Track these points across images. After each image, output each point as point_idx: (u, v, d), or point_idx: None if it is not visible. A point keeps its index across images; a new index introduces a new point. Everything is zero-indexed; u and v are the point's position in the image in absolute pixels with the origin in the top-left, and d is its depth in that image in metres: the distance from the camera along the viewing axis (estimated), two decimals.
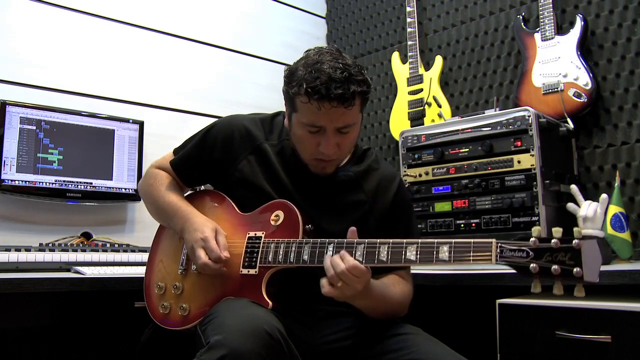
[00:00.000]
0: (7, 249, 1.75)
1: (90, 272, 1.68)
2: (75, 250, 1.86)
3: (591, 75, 2.07)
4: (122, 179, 2.24)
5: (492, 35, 2.47)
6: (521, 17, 2.30)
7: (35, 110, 2.07)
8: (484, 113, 2.03)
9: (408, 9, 2.64)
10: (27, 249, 1.79)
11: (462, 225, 2.01)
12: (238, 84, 2.80)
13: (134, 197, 2.26)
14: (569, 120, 2.07)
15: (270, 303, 1.28)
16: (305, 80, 1.28)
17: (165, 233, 1.56)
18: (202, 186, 1.65)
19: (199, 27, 2.71)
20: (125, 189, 2.25)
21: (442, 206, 2.07)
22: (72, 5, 2.31)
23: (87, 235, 2.17)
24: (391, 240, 1.22)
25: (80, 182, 2.15)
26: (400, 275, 1.44)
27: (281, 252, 1.32)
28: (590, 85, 2.06)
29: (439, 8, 2.68)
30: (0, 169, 1.96)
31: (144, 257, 1.70)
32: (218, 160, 1.49)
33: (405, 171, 2.17)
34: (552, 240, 1.06)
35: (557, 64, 2.13)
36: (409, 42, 2.62)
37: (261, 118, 1.54)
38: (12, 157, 2.00)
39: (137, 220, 2.36)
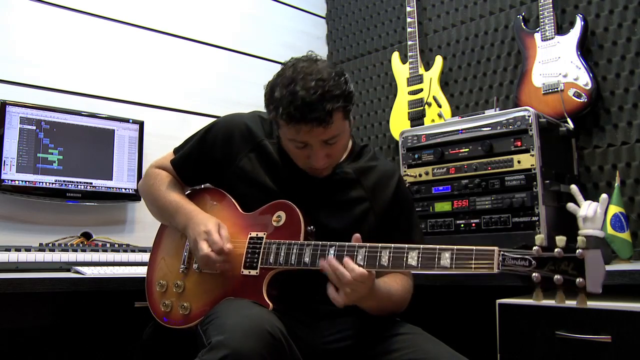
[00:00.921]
0: (7, 249, 1.75)
1: (90, 272, 1.68)
2: (75, 250, 1.86)
3: (591, 75, 2.07)
4: (122, 179, 2.24)
5: (492, 35, 2.47)
6: (521, 17, 2.30)
7: (35, 110, 2.07)
8: (484, 113, 2.03)
9: (408, 9, 2.64)
10: (27, 249, 1.79)
11: (462, 225, 2.01)
12: (238, 84, 2.80)
13: (134, 197, 2.26)
14: (569, 120, 2.07)
15: (270, 305, 1.28)
16: (281, 105, 1.28)
17: (167, 231, 1.56)
18: (203, 185, 1.65)
19: (199, 27, 2.71)
20: (125, 189, 2.25)
21: (442, 206, 2.07)
22: (72, 5, 2.31)
23: (87, 235, 2.17)
24: (393, 245, 1.22)
25: (80, 182, 2.15)
26: (401, 272, 1.44)
27: (282, 254, 1.32)
28: (590, 85, 2.06)
29: (439, 8, 2.68)
30: (0, 169, 1.96)
31: (144, 257, 1.70)
32: (219, 158, 1.50)
33: (405, 171, 2.17)
34: (555, 250, 1.06)
35: (557, 64, 2.13)
36: (409, 42, 2.62)
37: (262, 116, 1.54)
38: (12, 157, 2.00)
39: (137, 220, 2.36)
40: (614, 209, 1.75)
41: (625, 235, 1.75)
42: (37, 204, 2.10)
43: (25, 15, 2.19)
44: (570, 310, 1.39)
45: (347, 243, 1.25)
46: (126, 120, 2.29)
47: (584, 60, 2.09)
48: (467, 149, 2.02)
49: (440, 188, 2.08)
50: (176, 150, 1.59)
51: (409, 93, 2.62)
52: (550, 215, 1.85)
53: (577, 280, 1.02)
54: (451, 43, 2.62)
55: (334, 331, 1.38)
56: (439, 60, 2.58)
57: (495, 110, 2.04)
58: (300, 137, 1.32)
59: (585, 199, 1.81)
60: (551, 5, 2.16)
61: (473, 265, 1.12)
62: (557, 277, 1.04)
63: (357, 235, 1.26)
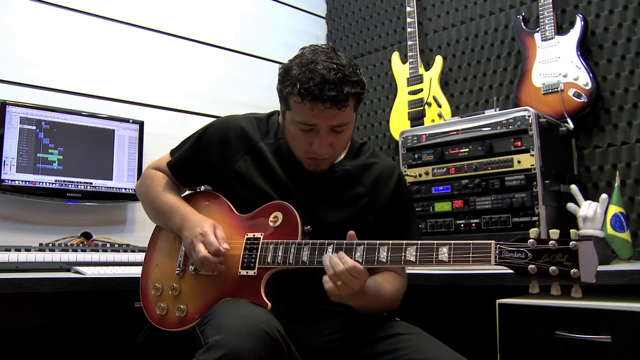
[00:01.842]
0: (7, 249, 1.75)
1: (90, 272, 1.68)
2: (75, 250, 1.86)
3: (591, 75, 2.07)
4: (122, 179, 2.24)
5: (492, 35, 2.47)
6: (521, 17, 2.30)
7: (35, 110, 2.07)
8: (484, 113, 2.03)
9: (408, 9, 2.64)
10: (27, 249, 1.79)
11: (462, 225, 2.01)
12: (238, 84, 2.80)
13: (134, 197, 2.26)
14: (569, 120, 2.07)
15: (269, 304, 1.28)
16: (299, 81, 1.28)
17: (162, 234, 1.56)
18: (201, 187, 1.65)
19: (199, 27, 2.71)
20: (125, 189, 2.25)
21: (442, 206, 2.06)
22: (72, 5, 2.31)
23: (87, 235, 2.17)
24: (391, 242, 1.22)
25: (80, 182, 2.15)
26: (394, 270, 1.44)
27: (280, 253, 1.32)
28: (590, 85, 2.06)
29: (439, 8, 2.68)
30: (0, 169, 1.96)
31: (145, 255, 1.70)
32: (214, 160, 1.49)
33: (405, 171, 2.17)
34: (550, 242, 1.09)
35: (557, 64, 2.13)
36: (409, 42, 2.62)
37: (257, 117, 1.54)
38: (12, 157, 2.00)
39: (137, 220, 2.36)
40: (614, 209, 1.75)
41: (625, 235, 1.75)
42: (37, 204, 2.10)
43: (26, 15, 2.19)
44: (570, 310, 1.39)
45: (345, 241, 1.26)
46: (126, 120, 2.29)
47: (584, 60, 2.09)
48: (467, 149, 2.02)
49: (440, 188, 2.08)
50: (172, 152, 1.59)
51: (409, 93, 2.62)
52: (550, 215, 1.85)
53: (572, 271, 1.06)
54: (451, 43, 2.62)
55: (332, 331, 1.38)
56: (439, 60, 2.58)
57: (495, 110, 2.03)
58: (311, 118, 1.31)
59: (585, 199, 1.81)
60: (551, 5, 2.16)
61: (471, 259, 1.14)
62: (552, 268, 1.07)
63: (352, 232, 1.26)
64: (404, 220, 1.50)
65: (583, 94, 2.07)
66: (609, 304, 1.35)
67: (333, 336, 1.37)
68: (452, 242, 1.17)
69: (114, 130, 2.25)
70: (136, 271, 1.74)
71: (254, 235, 1.38)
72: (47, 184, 2.07)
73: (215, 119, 1.61)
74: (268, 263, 1.32)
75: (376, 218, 1.46)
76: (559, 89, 2.10)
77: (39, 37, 2.22)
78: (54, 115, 2.11)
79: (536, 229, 1.12)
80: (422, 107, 2.55)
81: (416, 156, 2.16)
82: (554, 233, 1.09)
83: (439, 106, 2.50)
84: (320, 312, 1.38)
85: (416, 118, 2.56)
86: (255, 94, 2.77)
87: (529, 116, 1.88)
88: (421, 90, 2.58)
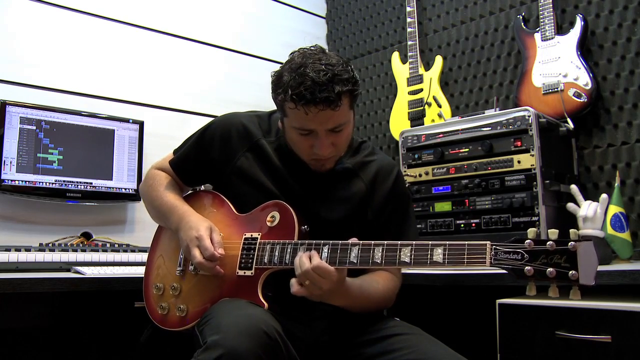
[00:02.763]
0: (7, 249, 1.75)
1: (90, 272, 1.68)
2: (75, 250, 1.86)
3: (591, 75, 2.07)
4: (122, 179, 2.24)
5: (492, 35, 2.47)
6: (521, 17, 2.30)
7: (35, 110, 2.07)
8: (484, 113, 2.03)
9: (408, 9, 2.64)
10: (27, 249, 1.79)
11: (462, 225, 2.01)
12: (238, 84, 2.80)
13: (134, 197, 2.26)
14: (569, 120, 2.07)
15: (266, 304, 1.28)
16: (290, 87, 1.28)
17: (164, 234, 1.56)
18: (202, 186, 1.65)
19: (199, 27, 2.71)
20: (125, 189, 2.25)
21: (442, 206, 2.06)
22: (72, 5, 2.31)
23: (87, 235, 2.17)
24: (385, 243, 1.22)
25: (80, 182, 2.15)
26: (389, 271, 1.44)
27: (277, 254, 1.32)
28: (590, 85, 2.06)
29: (439, 8, 2.68)
30: (0, 169, 1.96)
31: (144, 257, 1.70)
32: (216, 158, 1.50)
33: (405, 171, 2.17)
34: (548, 242, 1.05)
35: (557, 64, 2.13)
36: (409, 42, 2.62)
37: (258, 115, 1.55)
38: (12, 157, 2.00)
39: (137, 220, 2.36)
40: (614, 209, 1.75)
41: (625, 235, 1.75)
42: (37, 204, 2.10)
43: (26, 16, 2.19)
44: (570, 310, 1.39)
45: (340, 241, 1.25)
46: (126, 120, 2.29)
47: (584, 60, 2.09)
48: (467, 149, 2.02)
49: (440, 188, 2.08)
50: (175, 152, 1.60)
51: (409, 93, 2.61)
52: (550, 215, 1.85)
53: (570, 272, 1.02)
54: (451, 43, 2.62)
55: (331, 330, 1.38)
56: (439, 60, 2.58)
57: (495, 110, 2.03)
58: (306, 122, 1.31)
59: (585, 199, 1.81)
60: (551, 5, 2.16)
61: (465, 260, 1.12)
62: (549, 270, 1.04)
63: (355, 239, 1.26)
64: (400, 218, 1.50)
65: (583, 94, 2.07)
66: (609, 304, 1.34)
67: (332, 336, 1.37)
68: (447, 242, 1.16)
69: (114, 130, 2.25)
70: (136, 271, 1.74)
71: (251, 235, 1.38)
72: (47, 184, 2.07)
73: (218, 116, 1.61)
74: (265, 263, 1.33)
75: (374, 214, 1.46)
76: (559, 89, 2.10)
77: (39, 37, 2.21)
78: (54, 115, 2.11)
79: (534, 229, 1.10)
80: (422, 107, 2.55)
81: (416, 156, 2.16)
82: (553, 233, 1.06)
83: (439, 106, 2.50)
84: (319, 312, 1.38)
85: (416, 118, 2.56)
86: (255, 94, 2.76)
87: (529, 116, 1.88)
88: (421, 90, 2.58)
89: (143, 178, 1.69)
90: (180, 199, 1.53)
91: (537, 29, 2.21)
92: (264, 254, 1.33)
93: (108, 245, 2.11)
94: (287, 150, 1.47)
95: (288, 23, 3.05)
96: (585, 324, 1.36)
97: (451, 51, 2.61)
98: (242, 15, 2.89)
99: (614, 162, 2.07)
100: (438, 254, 1.15)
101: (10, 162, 1.99)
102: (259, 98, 2.71)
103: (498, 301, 1.53)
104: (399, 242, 1.21)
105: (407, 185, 2.05)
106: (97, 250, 1.91)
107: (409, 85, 2.62)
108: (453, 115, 2.47)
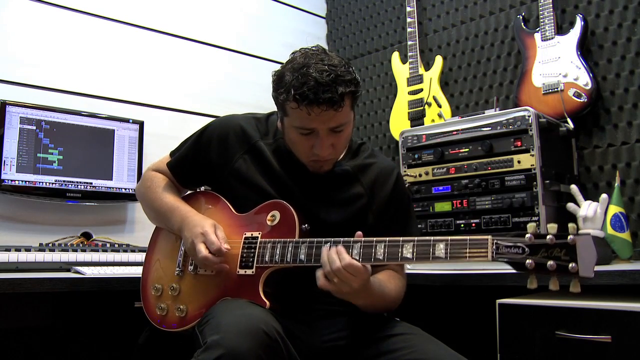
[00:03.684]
0: (7, 249, 1.75)
1: (90, 272, 1.68)
2: (75, 250, 1.86)
3: (591, 75, 2.07)
4: (122, 179, 2.24)
5: (492, 35, 2.47)
6: (521, 17, 2.30)
7: (35, 110, 2.07)
8: (484, 113, 2.03)
9: (408, 9, 2.64)
10: (27, 249, 1.79)
11: (462, 225, 2.01)
12: (238, 84, 2.80)
13: (133, 197, 2.25)
14: (569, 120, 2.07)
15: (267, 303, 1.28)
16: (293, 87, 1.28)
17: (162, 234, 1.56)
18: (201, 187, 1.65)
19: (199, 27, 2.71)
20: (125, 189, 2.25)
21: (442, 206, 2.06)
22: (72, 5, 2.31)
23: (87, 235, 2.17)
24: (388, 239, 1.22)
25: (80, 182, 2.15)
26: (394, 270, 1.44)
27: (278, 252, 1.32)
28: (590, 85, 2.06)
29: (439, 8, 2.68)
30: (0, 169, 1.96)
31: (144, 257, 1.70)
32: (214, 160, 1.50)
33: (405, 171, 2.17)
34: (547, 237, 1.07)
35: (557, 64, 2.13)
36: (409, 42, 2.62)
37: (256, 117, 1.55)
38: (12, 157, 2.00)
39: (137, 220, 2.36)
40: (614, 209, 1.75)
41: (625, 235, 1.75)
42: (37, 204, 2.10)
43: (25, 15, 2.19)
44: (570, 310, 1.39)
45: (342, 238, 1.25)
46: (126, 120, 2.29)
47: (584, 60, 2.09)
48: (467, 149, 2.02)
49: (440, 188, 2.08)
50: (172, 153, 1.60)
51: (409, 93, 2.62)
52: (550, 216, 1.85)
53: (570, 265, 1.04)
54: (451, 43, 2.62)
55: (332, 330, 1.38)
56: (439, 60, 2.58)
57: (495, 110, 2.03)
58: (308, 122, 1.31)
59: (585, 199, 1.81)
60: (551, 5, 2.16)
61: (467, 255, 1.13)
62: (550, 263, 1.05)
63: (360, 232, 1.26)
64: (402, 220, 1.50)
65: (583, 94, 2.07)
66: (609, 304, 1.34)
67: (332, 335, 1.37)
68: (449, 237, 1.16)
69: (114, 130, 2.25)
70: (136, 271, 1.74)
71: (252, 235, 1.38)
72: (47, 184, 2.07)
73: (215, 118, 1.61)
74: (266, 262, 1.33)
75: (375, 218, 1.46)
76: (559, 89, 2.10)
77: (39, 37, 2.21)
78: (54, 115, 2.11)
79: (533, 223, 1.11)
80: (422, 107, 2.55)
81: (416, 156, 2.16)
82: (552, 227, 1.08)
83: (439, 106, 2.50)
84: (320, 312, 1.38)
85: (416, 118, 2.56)
86: (256, 94, 2.77)
87: (529, 116, 1.88)
88: (421, 90, 2.58)
89: (140, 179, 1.69)
90: (180, 199, 1.53)
91: (537, 29, 2.21)
92: (265, 252, 1.33)
93: (108, 245, 2.11)
94: (285, 151, 1.47)
95: (288, 23, 3.05)
96: (585, 324, 1.36)
97: (451, 51, 2.61)
98: (242, 15, 2.89)
99: (614, 162, 2.07)
100: (440, 249, 1.16)
101: (10, 162, 1.99)
102: (259, 98, 2.72)
103: (498, 301, 1.53)
104: (401, 238, 1.21)
105: (407, 186, 2.06)
106: (97, 250, 1.91)
107: (409, 85, 2.62)
108: (453, 115, 2.47)
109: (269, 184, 1.44)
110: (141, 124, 2.33)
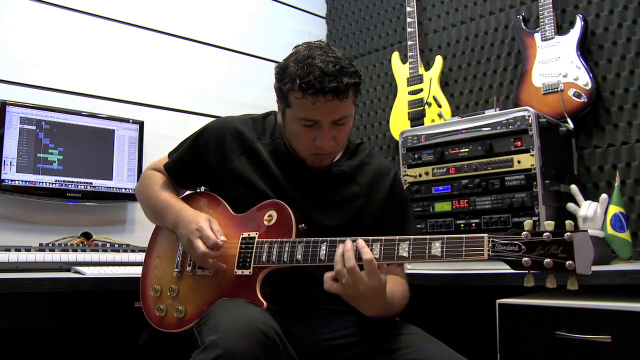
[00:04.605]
0: (7, 249, 1.75)
1: (90, 272, 1.68)
2: (75, 250, 1.86)
3: (591, 75, 2.07)
4: (122, 179, 2.24)
5: (492, 35, 2.47)
6: (521, 17, 2.30)
7: (35, 110, 2.07)
8: (484, 113, 2.02)
9: (408, 9, 2.64)
10: (27, 249, 1.79)
11: (462, 225, 2.00)
12: (238, 84, 2.80)
13: (133, 197, 2.25)
14: (569, 120, 2.07)
15: (265, 303, 1.28)
16: (298, 76, 1.28)
17: (161, 235, 1.56)
18: (201, 188, 1.65)
19: (199, 27, 2.71)
20: (125, 189, 2.25)
21: (442, 206, 2.06)
22: (72, 5, 2.31)
23: (87, 235, 2.17)
24: (383, 237, 1.22)
25: (80, 182, 2.15)
26: (399, 275, 1.44)
27: (275, 252, 1.32)
28: (590, 85, 2.06)
29: (439, 8, 2.68)
30: (0, 169, 1.96)
31: (144, 257, 1.70)
32: (211, 161, 1.50)
33: (405, 171, 2.17)
34: (544, 234, 1.06)
35: (557, 64, 2.13)
36: (409, 42, 2.62)
37: (252, 118, 1.55)
38: (12, 157, 2.00)
39: (137, 220, 2.36)
40: (614, 209, 1.75)
41: (625, 235, 1.75)
42: (37, 204, 2.10)
43: (25, 15, 2.19)
44: (570, 310, 1.39)
45: (338, 238, 1.25)
46: (126, 120, 2.29)
47: (584, 60, 2.09)
48: (467, 149, 2.02)
49: (440, 188, 2.08)
50: (170, 154, 1.60)
51: (409, 93, 2.61)
52: (550, 215, 1.84)
53: (567, 263, 1.03)
54: (451, 43, 2.62)
55: (330, 330, 1.38)
56: (439, 60, 2.58)
57: (495, 110, 2.03)
58: (312, 113, 1.31)
59: (585, 199, 1.81)
60: (551, 5, 2.16)
61: (464, 253, 1.12)
62: (547, 260, 1.04)
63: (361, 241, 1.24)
64: (399, 221, 1.50)
65: (583, 94, 2.07)
66: (609, 304, 1.34)
67: (331, 335, 1.37)
68: (445, 236, 1.15)
69: (114, 130, 2.25)
70: (136, 271, 1.74)
71: (249, 235, 1.38)
72: (47, 184, 2.07)
73: (215, 118, 1.61)
74: (263, 262, 1.32)
75: (372, 219, 1.46)
76: (559, 89, 2.10)
77: (39, 37, 2.22)
78: (54, 115, 2.11)
79: (530, 220, 1.10)
80: (422, 107, 2.55)
81: (416, 156, 2.16)
82: (549, 225, 1.07)
83: (439, 106, 2.50)
84: (319, 311, 1.38)
85: (416, 118, 2.56)
86: (256, 94, 2.77)
87: (529, 116, 1.88)
88: (421, 90, 2.58)
89: (139, 178, 1.69)
90: (176, 197, 1.53)
91: (537, 29, 2.21)
92: (262, 252, 1.33)
93: (108, 245, 2.11)
94: (282, 152, 1.47)
95: (288, 23, 3.05)
96: (585, 324, 1.36)
97: (451, 51, 2.61)
98: (242, 15, 2.89)
99: (614, 162, 2.07)
100: (436, 248, 1.15)
101: (10, 162, 1.99)
102: (259, 98, 2.72)
103: (498, 301, 1.53)
104: (397, 237, 1.20)
105: (405, 187, 2.06)
106: (97, 250, 1.91)
107: (409, 85, 2.62)
108: (453, 115, 2.47)
109: (266, 185, 1.44)
110: (141, 124, 2.33)
